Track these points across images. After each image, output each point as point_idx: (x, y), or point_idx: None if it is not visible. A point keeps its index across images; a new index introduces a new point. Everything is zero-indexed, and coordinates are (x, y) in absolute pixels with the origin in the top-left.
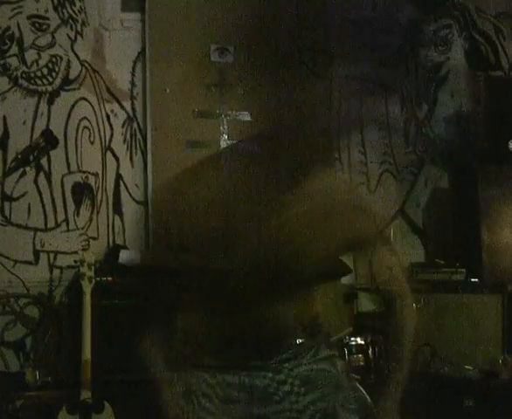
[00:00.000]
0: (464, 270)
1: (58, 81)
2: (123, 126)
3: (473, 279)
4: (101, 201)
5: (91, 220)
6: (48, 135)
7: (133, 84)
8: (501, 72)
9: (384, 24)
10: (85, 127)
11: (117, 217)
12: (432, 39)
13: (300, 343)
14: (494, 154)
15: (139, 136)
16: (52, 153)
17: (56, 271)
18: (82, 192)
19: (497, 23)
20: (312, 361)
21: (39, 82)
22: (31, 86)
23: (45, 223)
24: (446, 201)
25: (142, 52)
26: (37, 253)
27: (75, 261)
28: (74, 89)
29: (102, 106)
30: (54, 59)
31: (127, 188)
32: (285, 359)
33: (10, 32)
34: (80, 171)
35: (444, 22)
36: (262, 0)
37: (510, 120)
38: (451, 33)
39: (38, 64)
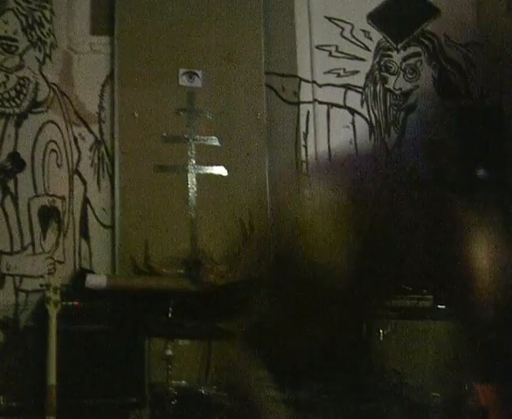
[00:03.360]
0: (431, 296)
1: (25, 104)
2: (91, 149)
3: (440, 306)
4: (68, 224)
5: (57, 244)
6: (15, 158)
7: (101, 107)
8: (470, 101)
9: (353, 51)
10: (52, 150)
11: (84, 241)
12: (400, 66)
13: None
14: (463, 181)
15: (106, 160)
16: (19, 175)
17: (21, 295)
18: (49, 215)
19: (466, 51)
20: None
21: (7, 104)
22: None
23: (11, 247)
24: None
25: (111, 76)
26: (2, 276)
27: (41, 285)
28: (42, 112)
29: (70, 129)
30: (22, 82)
31: (94, 211)
32: None
33: None
34: (47, 194)
35: (413, 50)
36: (230, 23)
37: (479, 148)
38: (420, 61)
39: (5, 86)
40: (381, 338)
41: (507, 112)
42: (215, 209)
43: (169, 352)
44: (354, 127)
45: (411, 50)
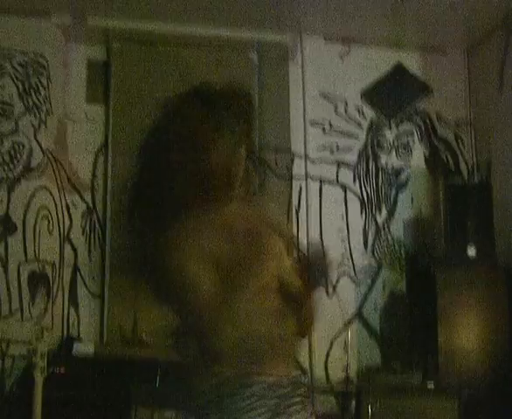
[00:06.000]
0: (420, 374)
1: (19, 168)
2: (83, 217)
3: (429, 383)
4: (57, 291)
5: (46, 310)
6: (6, 222)
7: (94, 175)
8: (460, 179)
9: (346, 127)
10: (44, 216)
11: (72, 309)
12: (393, 144)
13: None
14: (453, 258)
15: (98, 228)
16: (10, 240)
17: (8, 360)
18: (38, 281)
19: (457, 130)
20: None
21: (0, 168)
22: None
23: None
24: (404, 304)
25: (105, 144)
26: None
27: (28, 351)
28: (35, 177)
29: (62, 195)
30: (16, 146)
31: (83, 280)
32: None
33: None
34: (37, 260)
35: (405, 127)
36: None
37: (469, 226)
38: (412, 139)
39: None
40: (369, 415)
41: (495, 189)
42: None
43: None
44: (346, 203)
45: (403, 127)
